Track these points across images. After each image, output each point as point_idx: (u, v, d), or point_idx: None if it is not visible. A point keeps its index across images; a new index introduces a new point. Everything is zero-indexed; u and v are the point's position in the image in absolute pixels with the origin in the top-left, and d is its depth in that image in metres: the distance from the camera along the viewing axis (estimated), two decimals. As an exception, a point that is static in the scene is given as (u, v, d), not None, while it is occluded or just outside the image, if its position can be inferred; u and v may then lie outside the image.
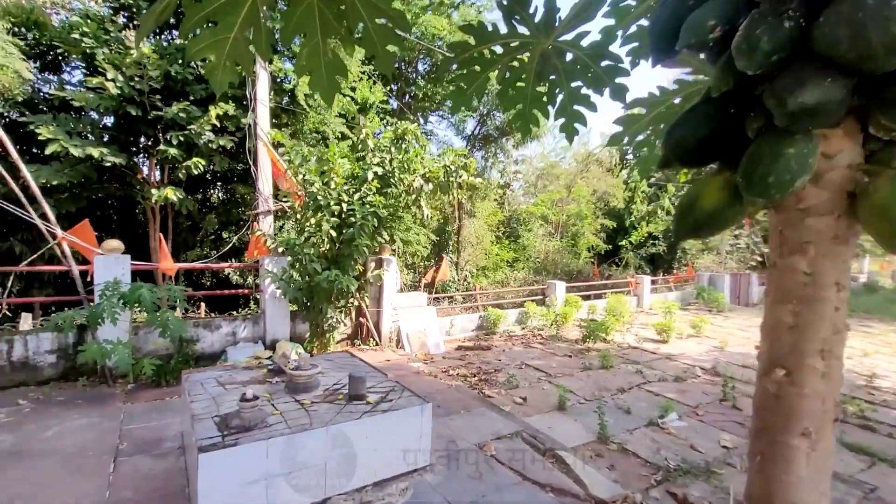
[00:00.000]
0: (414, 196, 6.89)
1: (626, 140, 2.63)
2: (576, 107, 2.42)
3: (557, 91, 2.41)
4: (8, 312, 9.25)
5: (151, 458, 3.65)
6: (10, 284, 6.05)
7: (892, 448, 4.55)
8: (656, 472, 3.97)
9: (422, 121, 15.46)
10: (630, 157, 24.61)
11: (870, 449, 4.45)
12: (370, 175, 6.41)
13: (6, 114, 9.18)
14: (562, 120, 2.48)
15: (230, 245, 9.02)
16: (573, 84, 2.31)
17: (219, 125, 9.06)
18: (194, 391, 3.66)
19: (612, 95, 2.26)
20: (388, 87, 12.44)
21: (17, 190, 5.52)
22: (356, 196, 6.32)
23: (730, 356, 8.22)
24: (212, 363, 5.89)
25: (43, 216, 5.60)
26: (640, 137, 2.67)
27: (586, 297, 12.01)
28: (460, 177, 6.92)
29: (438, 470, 3.65)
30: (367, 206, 6.20)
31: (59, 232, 5.35)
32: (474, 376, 6.47)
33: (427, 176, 6.94)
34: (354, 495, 3.20)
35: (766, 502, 0.92)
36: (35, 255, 6.06)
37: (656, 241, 21.49)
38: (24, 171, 5.72)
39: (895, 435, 4.91)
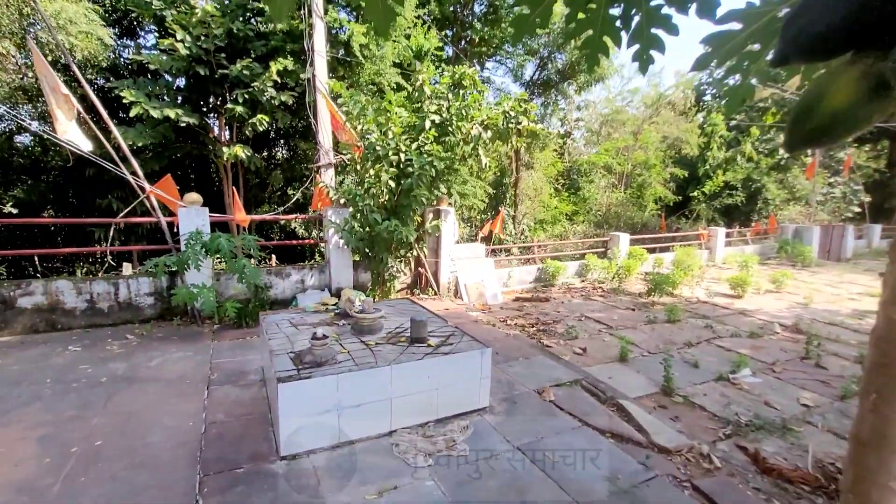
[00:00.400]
0: (472, 144, 6.72)
1: (714, 64, 2.31)
2: (653, 30, 2.14)
3: (633, 12, 2.15)
4: (112, 262, 10.45)
5: (238, 388, 4.06)
6: (111, 236, 6.76)
7: None
8: (725, 425, 3.82)
9: (478, 67, 14.81)
10: (708, 97, 22.33)
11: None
12: (427, 123, 6.30)
13: (94, 80, 9.92)
14: (635, 49, 2.22)
15: (294, 199, 9.40)
16: (653, 2, 2.05)
17: (279, 81, 9.23)
18: (271, 330, 3.96)
19: (699, 12, 1.96)
20: (444, 33, 11.94)
21: (111, 150, 6.03)
22: (414, 146, 6.26)
23: (815, 313, 7.56)
24: (284, 308, 6.34)
25: (133, 173, 6.11)
26: (732, 62, 2.33)
27: (652, 251, 11.42)
28: (519, 123, 6.61)
29: (498, 411, 3.74)
30: (425, 155, 6.14)
31: (147, 186, 5.84)
32: (532, 326, 6.47)
33: (485, 123, 6.70)
34: (418, 430, 3.37)
35: (878, 444, 0.82)
36: (128, 209, 6.68)
37: (734, 191, 19.72)
38: (115, 132, 6.22)
39: None
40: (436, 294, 7.52)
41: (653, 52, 2.23)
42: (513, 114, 6.62)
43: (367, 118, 6.24)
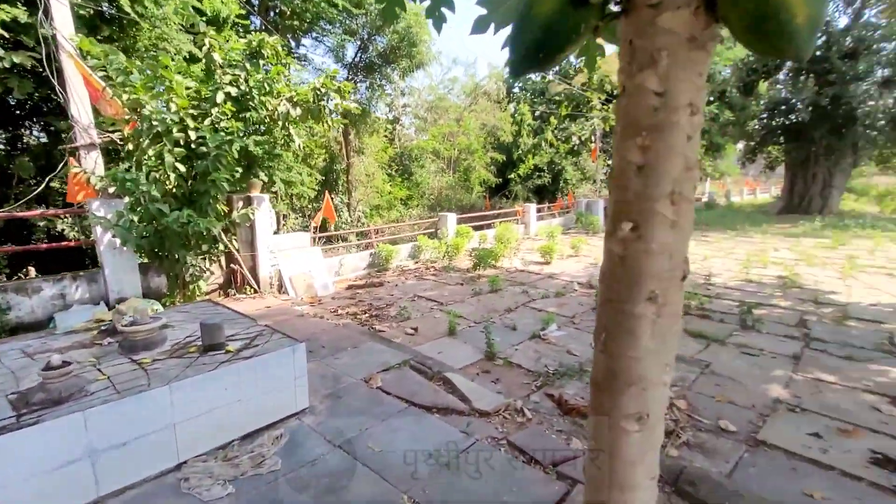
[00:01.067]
0: (281, 123, 6.03)
1: (492, 26, 2.30)
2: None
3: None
4: None
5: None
6: None
7: (722, 331, 5.38)
8: (537, 378, 4.18)
9: (293, 44, 13.67)
10: (516, 89, 24.99)
11: (706, 333, 5.20)
12: (220, 96, 5.38)
13: None
14: (428, 7, 2.11)
15: (37, 190, 7.04)
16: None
17: (8, 37, 6.93)
18: (-15, 367, 2.87)
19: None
20: (245, -2, 10.59)
21: None
22: (206, 121, 5.30)
23: (602, 270, 9.06)
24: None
25: None
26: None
27: (478, 228, 12.28)
28: (332, 100, 6.17)
29: (319, 410, 3.40)
30: (222, 132, 5.26)
31: None
32: (365, 313, 6.25)
33: (294, 99, 6.06)
34: (216, 453, 2.83)
35: (610, 384, 0.79)
36: None
37: (542, 173, 22.65)
38: None
39: (725, 320, 5.81)
40: (256, 292, 6.69)
41: (443, 10, 2.15)
42: (323, 90, 6.13)
43: (135, 85, 5.02)
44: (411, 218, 18.48)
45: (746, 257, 9.69)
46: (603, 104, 21.08)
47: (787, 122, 17.89)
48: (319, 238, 12.30)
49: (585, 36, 0.80)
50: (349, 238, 15.33)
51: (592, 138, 21.86)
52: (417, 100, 21.61)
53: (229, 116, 5.47)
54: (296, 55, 13.73)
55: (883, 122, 15.66)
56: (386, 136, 20.01)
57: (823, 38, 17.22)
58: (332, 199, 17.82)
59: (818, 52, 16.89)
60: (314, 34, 14.24)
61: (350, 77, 16.35)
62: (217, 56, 5.62)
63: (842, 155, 17.46)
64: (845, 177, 19.18)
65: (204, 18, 8.90)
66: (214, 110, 5.43)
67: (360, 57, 15.76)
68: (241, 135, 5.42)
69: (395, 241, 10.96)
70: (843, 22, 17.94)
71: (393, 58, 15.69)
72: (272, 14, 12.51)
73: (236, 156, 5.46)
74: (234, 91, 5.60)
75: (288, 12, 12.16)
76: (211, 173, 5.16)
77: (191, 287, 5.80)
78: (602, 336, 0.84)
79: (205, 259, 5.91)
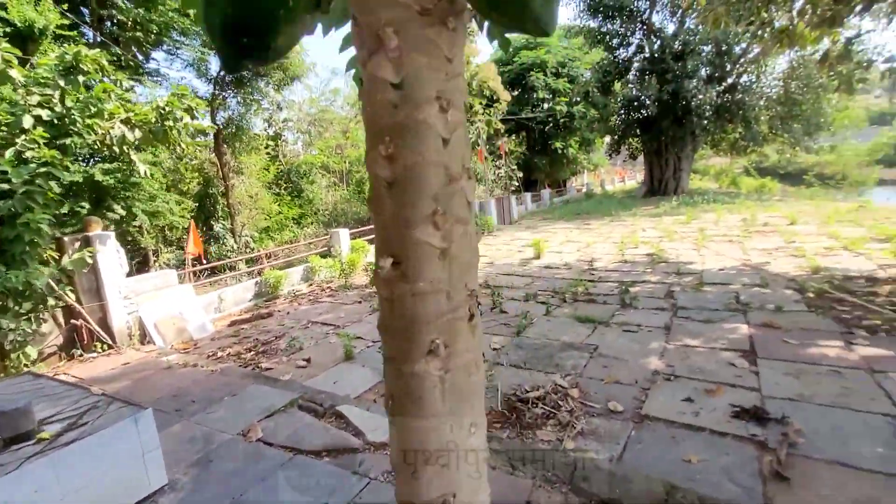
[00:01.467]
0: (118, 148, 5.15)
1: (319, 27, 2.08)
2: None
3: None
4: None
5: None
6: None
7: (605, 312, 5.73)
8: (437, 392, 4.02)
9: (141, 58, 12.11)
10: (401, 98, 25.09)
11: (592, 317, 5.50)
12: (28, 121, 4.41)
13: None
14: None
15: None
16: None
17: None
18: None
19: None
20: (65, 4, 9.06)
21: None
22: (9, 153, 4.30)
23: (498, 268, 9.29)
24: None
25: None
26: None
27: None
28: (180, 120, 5.42)
29: (182, 484, 2.86)
30: (33, 164, 4.30)
31: None
32: (250, 351, 5.61)
33: (132, 121, 5.22)
34: (30, 578, 2.19)
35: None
36: None
37: (435, 178, 22.94)
38: None
39: (608, 301, 6.22)
40: (111, 347, 5.65)
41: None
42: (168, 109, 5.35)
43: None
44: (307, 237, 17.51)
45: (621, 239, 10.66)
46: (484, 109, 22.01)
47: (640, 117, 20.27)
48: (201, 271, 10.99)
49: (305, 13, 0.61)
50: (238, 266, 14.00)
51: (479, 142, 22.70)
52: (299, 113, 20.63)
53: (41, 144, 4.50)
54: (145, 70, 12.19)
55: (709, 113, 18.46)
56: (268, 153, 18.75)
57: (659, 43, 19.88)
58: (212, 225, 16.21)
59: (657, 55, 19.44)
60: (166, 47, 12.76)
61: (217, 92, 15.03)
62: (16, 73, 4.59)
63: (684, 142, 20.26)
64: (690, 160, 22.32)
65: (10, 29, 7.44)
66: (22, 139, 4.44)
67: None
68: (86, 164, 4.49)
69: (291, 264, 10.19)
70: (671, 28, 20.86)
71: (264, 70, 14.72)
72: (108, 25, 10.93)
73: (58, 190, 4.52)
74: (45, 114, 4.63)
75: (128, 23, 10.71)
76: (21, 215, 4.19)
77: (13, 356, 4.68)
78: (390, 403, 0.66)
79: (30, 319, 4.80)
